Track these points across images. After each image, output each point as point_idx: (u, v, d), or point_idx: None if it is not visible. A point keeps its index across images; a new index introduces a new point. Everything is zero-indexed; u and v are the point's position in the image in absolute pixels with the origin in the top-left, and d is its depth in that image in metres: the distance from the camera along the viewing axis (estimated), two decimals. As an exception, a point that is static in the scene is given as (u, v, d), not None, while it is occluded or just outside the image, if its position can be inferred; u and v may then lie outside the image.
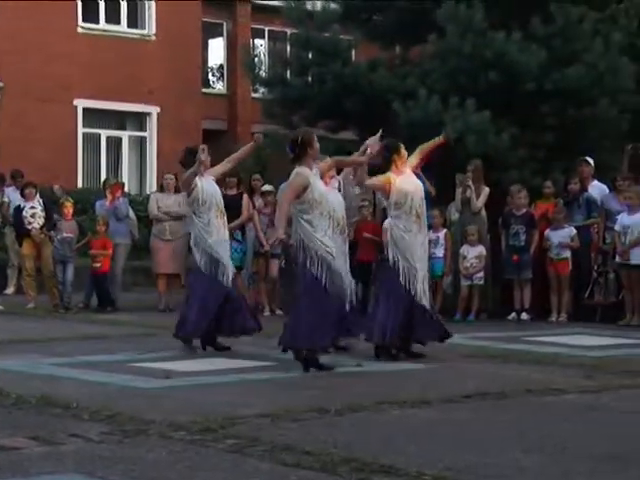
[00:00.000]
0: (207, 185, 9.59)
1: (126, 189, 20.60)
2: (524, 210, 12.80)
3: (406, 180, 9.02)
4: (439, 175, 12.98)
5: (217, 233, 9.52)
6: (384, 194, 9.18)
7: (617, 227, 12.31)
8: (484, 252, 12.71)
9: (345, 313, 8.27)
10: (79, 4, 22.00)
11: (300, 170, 8.33)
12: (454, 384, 7.57)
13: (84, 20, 22.17)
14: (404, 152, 9.13)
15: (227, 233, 9.82)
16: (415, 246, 8.91)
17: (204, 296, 9.34)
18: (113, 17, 22.72)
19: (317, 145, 8.47)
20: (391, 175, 9.00)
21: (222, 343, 9.49)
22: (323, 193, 8.40)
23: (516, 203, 12.79)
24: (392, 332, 8.77)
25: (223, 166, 10.09)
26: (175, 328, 9.47)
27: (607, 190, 13.09)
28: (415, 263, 8.86)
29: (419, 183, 9.23)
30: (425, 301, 8.92)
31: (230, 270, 9.48)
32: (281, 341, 8.38)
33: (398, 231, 8.93)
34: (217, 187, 9.86)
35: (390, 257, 8.94)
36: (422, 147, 9.45)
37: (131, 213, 14.64)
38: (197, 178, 9.51)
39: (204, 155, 9.52)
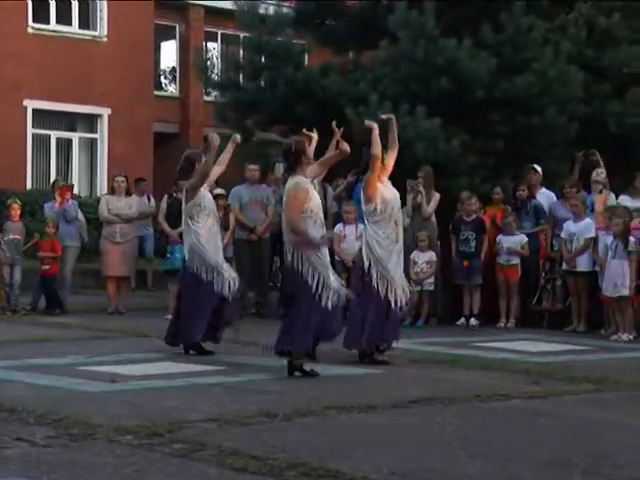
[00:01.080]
0: (205, 191, 9.60)
1: (76, 191, 20.47)
2: (474, 216, 12.90)
3: (387, 188, 9.16)
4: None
5: (215, 241, 9.54)
6: (369, 201, 9.16)
7: (563, 234, 12.45)
8: (434, 258, 12.79)
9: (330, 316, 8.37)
10: (29, 4, 21.79)
11: (299, 180, 8.39)
12: (402, 389, 7.61)
13: (34, 20, 21.95)
14: (385, 160, 9.23)
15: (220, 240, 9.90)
16: (392, 253, 9.00)
17: (201, 302, 9.32)
18: (64, 18, 22.51)
19: (311, 152, 8.58)
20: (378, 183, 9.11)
21: (205, 347, 9.50)
22: (318, 203, 8.55)
23: (467, 209, 12.90)
24: (369, 337, 8.90)
25: (218, 171, 10.02)
26: (181, 339, 9.44)
27: (555, 197, 13.24)
28: (390, 270, 8.93)
29: (397, 192, 9.33)
30: (399, 308, 9.01)
31: (226, 278, 9.43)
32: (291, 345, 8.34)
33: (377, 237, 9.00)
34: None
35: (365, 264, 9.00)
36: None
37: (80, 215, 14.53)
38: None
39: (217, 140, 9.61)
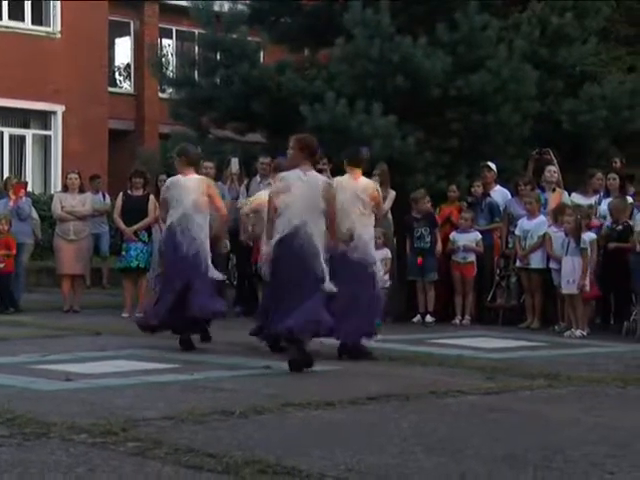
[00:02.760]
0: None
1: (30, 188, 20.32)
2: (424, 210, 12.95)
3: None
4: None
5: None
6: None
7: (517, 231, 12.56)
8: (389, 255, 12.82)
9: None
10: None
11: (330, 180, 8.94)
12: (358, 386, 7.64)
13: (-13, 16, 21.76)
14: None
15: None
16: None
17: None
18: (17, 13, 22.32)
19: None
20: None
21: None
22: None
23: (421, 209, 12.94)
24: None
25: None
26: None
27: (509, 195, 13.34)
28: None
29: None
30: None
31: None
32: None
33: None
34: None
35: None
36: None
37: (34, 213, 14.41)
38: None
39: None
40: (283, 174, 8.69)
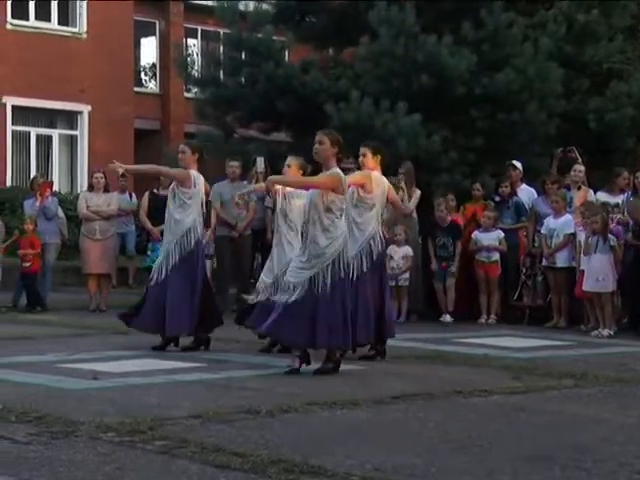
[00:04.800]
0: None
1: (56, 188, 20.43)
2: (449, 221, 12.90)
3: None
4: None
5: None
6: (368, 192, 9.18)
7: (543, 230, 12.51)
8: (410, 253, 12.81)
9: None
10: (8, 1, 21.69)
11: None
12: (383, 385, 7.63)
13: (13, 17, 21.88)
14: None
15: None
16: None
17: None
18: (44, 14, 22.44)
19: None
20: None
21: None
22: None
23: (438, 215, 12.89)
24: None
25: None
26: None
27: (535, 193, 13.29)
28: None
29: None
30: None
31: None
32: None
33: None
34: None
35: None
36: None
37: (60, 212, 14.46)
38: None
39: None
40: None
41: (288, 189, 9.50)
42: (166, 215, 9.69)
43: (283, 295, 8.13)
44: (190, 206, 9.53)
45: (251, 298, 9.66)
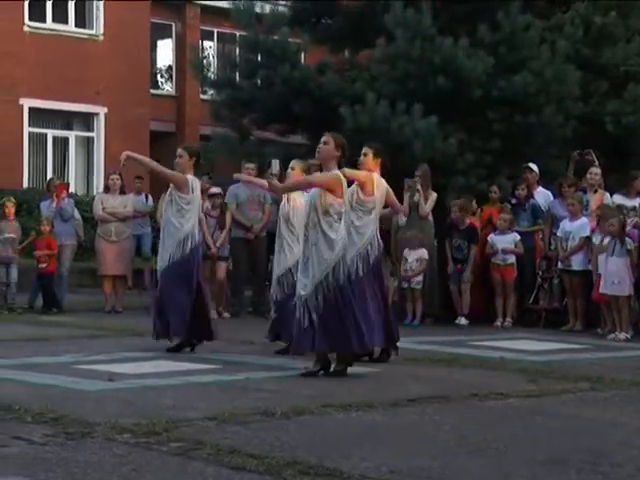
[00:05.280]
0: None
1: (73, 189, 20.48)
2: (467, 224, 12.87)
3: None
4: (387, 180, 13.03)
5: None
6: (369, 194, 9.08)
7: (559, 233, 12.47)
8: (425, 255, 12.78)
9: None
10: (25, 3, 21.78)
11: None
12: (399, 388, 7.62)
13: (30, 19, 21.96)
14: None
15: None
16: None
17: None
18: (60, 16, 22.52)
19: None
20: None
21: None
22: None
23: (455, 217, 12.88)
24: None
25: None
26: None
27: (551, 196, 13.25)
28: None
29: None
30: None
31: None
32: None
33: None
34: None
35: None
36: None
37: (76, 213, 14.48)
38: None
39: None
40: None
41: (292, 193, 9.50)
42: (164, 220, 9.60)
43: (299, 309, 8.07)
44: (189, 211, 9.41)
45: (271, 315, 9.65)
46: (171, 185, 9.59)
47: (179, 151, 9.73)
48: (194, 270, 9.46)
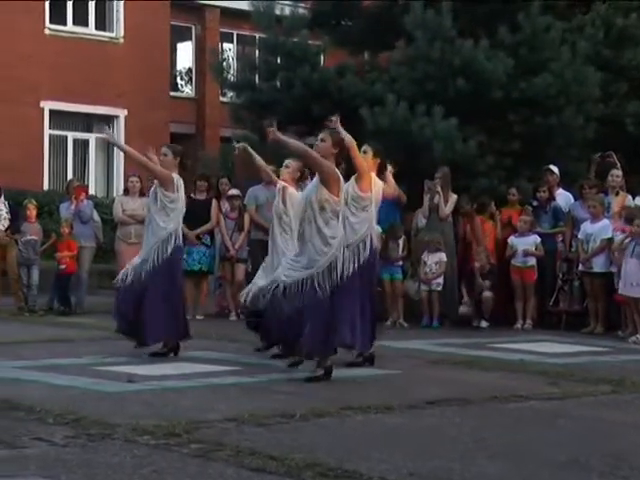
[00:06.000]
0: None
1: (93, 192, 20.55)
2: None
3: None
4: (407, 182, 13.05)
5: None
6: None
7: (580, 235, 12.41)
8: (444, 258, 12.75)
9: None
10: (46, 5, 21.88)
11: None
12: (419, 390, 7.60)
13: (51, 22, 22.05)
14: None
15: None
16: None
17: None
18: (81, 19, 22.61)
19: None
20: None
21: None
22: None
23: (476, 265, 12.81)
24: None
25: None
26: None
27: (572, 198, 13.20)
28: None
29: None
30: None
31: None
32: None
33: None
34: None
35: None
36: None
37: (95, 215, 14.50)
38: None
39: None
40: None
41: (290, 189, 9.40)
42: (147, 218, 9.48)
43: (272, 300, 7.96)
44: (173, 210, 9.26)
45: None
46: (156, 182, 9.46)
47: (163, 149, 9.58)
48: (175, 271, 9.37)
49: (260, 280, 9.26)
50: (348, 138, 8.40)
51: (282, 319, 7.95)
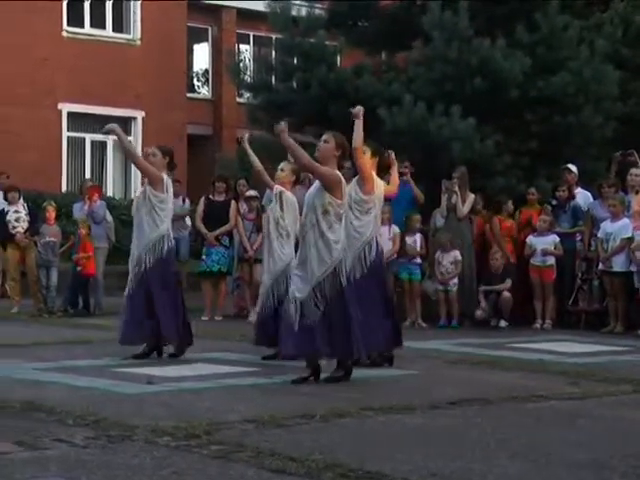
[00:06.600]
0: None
1: (110, 193, 20.60)
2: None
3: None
4: (425, 182, 13.03)
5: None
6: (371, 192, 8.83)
7: (600, 234, 12.36)
8: (459, 257, 12.72)
9: None
10: (64, 8, 21.95)
11: None
12: (439, 390, 7.57)
13: (69, 24, 22.12)
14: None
15: None
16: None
17: None
18: (98, 21, 22.67)
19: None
20: None
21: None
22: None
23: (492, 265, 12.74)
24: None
25: None
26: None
27: (591, 197, 13.15)
28: None
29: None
30: None
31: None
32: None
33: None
34: None
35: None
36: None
37: (108, 216, 14.49)
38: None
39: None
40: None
41: (287, 193, 9.33)
42: (136, 219, 9.29)
43: (290, 310, 7.81)
44: (163, 210, 9.15)
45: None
46: (145, 181, 9.38)
47: (152, 150, 9.52)
48: (170, 274, 9.27)
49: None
50: (358, 140, 8.36)
51: (305, 331, 7.78)
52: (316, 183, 8.07)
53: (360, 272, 8.49)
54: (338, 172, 7.98)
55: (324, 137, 8.12)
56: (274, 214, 9.40)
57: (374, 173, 8.87)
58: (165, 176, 9.29)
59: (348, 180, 8.47)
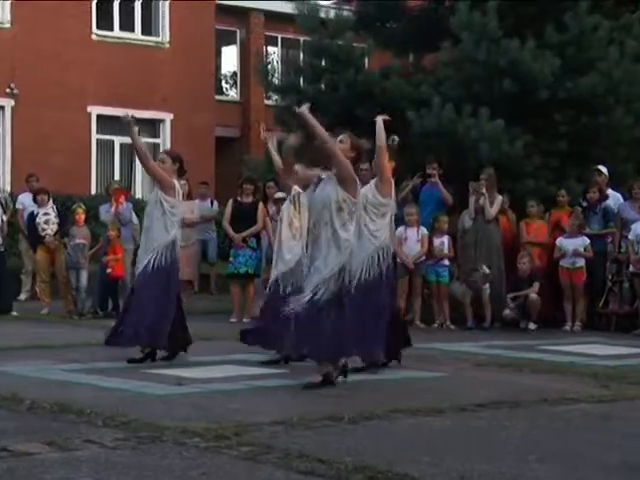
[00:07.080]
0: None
1: (139, 195, 20.68)
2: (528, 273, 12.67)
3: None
4: (453, 183, 12.99)
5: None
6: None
7: (631, 236, 12.28)
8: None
9: None
10: (93, 12, 22.08)
11: None
12: (468, 393, 7.55)
13: (98, 27, 22.25)
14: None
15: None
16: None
17: None
18: (127, 24, 22.79)
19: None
20: None
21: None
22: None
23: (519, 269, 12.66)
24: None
25: None
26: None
27: (621, 199, 13.06)
28: None
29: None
30: None
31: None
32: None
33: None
34: None
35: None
36: None
37: (134, 218, 14.53)
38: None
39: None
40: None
41: (304, 196, 9.05)
42: (146, 222, 9.23)
43: (294, 303, 7.72)
44: (175, 215, 9.13)
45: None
46: (156, 185, 9.34)
47: (161, 156, 9.54)
48: (174, 282, 9.18)
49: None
50: (382, 139, 8.32)
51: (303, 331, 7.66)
52: (327, 180, 7.86)
53: (372, 274, 8.39)
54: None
55: (340, 137, 8.08)
56: (288, 214, 9.35)
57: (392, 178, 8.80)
58: (176, 182, 9.27)
59: (365, 182, 8.45)
